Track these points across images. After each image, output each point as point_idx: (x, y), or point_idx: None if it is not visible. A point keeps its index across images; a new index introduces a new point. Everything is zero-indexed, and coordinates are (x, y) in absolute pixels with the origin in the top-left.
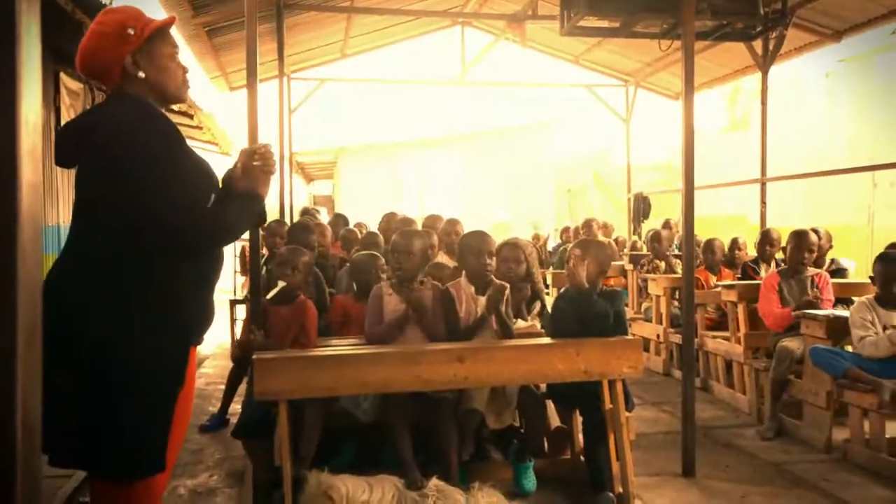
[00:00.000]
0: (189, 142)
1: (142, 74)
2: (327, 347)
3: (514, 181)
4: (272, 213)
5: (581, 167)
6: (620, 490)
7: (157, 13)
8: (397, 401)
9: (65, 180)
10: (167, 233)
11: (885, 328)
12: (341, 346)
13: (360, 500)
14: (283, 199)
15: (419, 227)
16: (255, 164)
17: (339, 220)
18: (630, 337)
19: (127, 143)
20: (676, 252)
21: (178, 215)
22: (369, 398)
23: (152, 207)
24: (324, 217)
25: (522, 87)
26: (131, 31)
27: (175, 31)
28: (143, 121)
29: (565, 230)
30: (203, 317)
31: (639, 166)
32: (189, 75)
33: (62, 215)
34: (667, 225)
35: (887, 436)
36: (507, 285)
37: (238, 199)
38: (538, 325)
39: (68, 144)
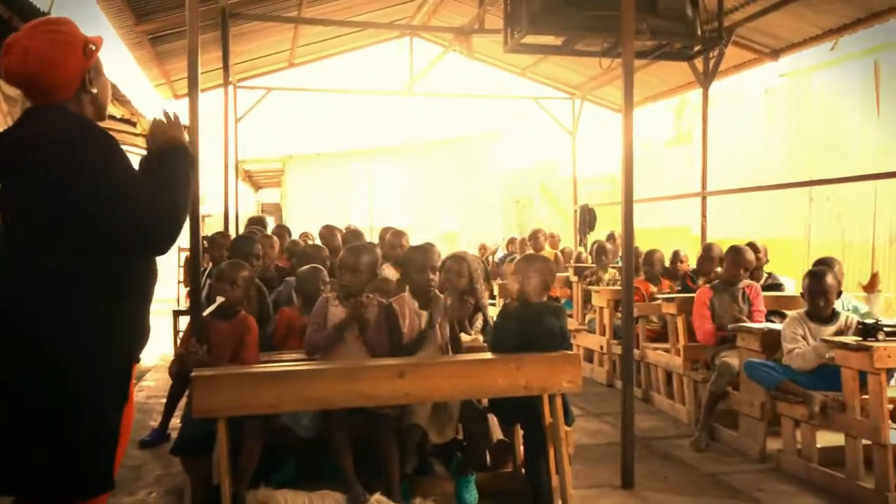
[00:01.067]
0: (131, 148)
1: (94, 90)
2: (269, 363)
3: (463, 191)
4: (217, 223)
5: (528, 178)
6: (559, 502)
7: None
8: (337, 416)
9: None
10: (134, 234)
11: (820, 340)
12: (282, 363)
13: None
14: (228, 207)
15: (367, 237)
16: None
17: (282, 231)
18: (570, 352)
19: (69, 165)
20: (620, 264)
21: (138, 213)
22: (309, 414)
23: (110, 217)
24: (271, 225)
25: (470, 98)
26: (92, 47)
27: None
28: (83, 137)
29: (511, 241)
30: (142, 332)
31: (585, 178)
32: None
33: None
34: (611, 237)
35: (818, 446)
36: (449, 299)
37: (163, 159)
38: (481, 339)
39: None
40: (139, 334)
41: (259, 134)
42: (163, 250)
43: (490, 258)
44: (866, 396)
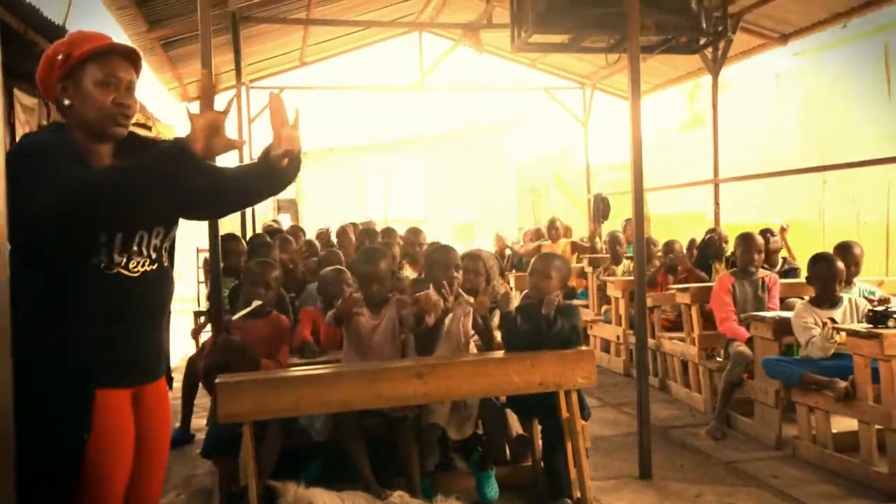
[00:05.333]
0: None
1: (67, 102)
2: (292, 367)
3: (477, 182)
4: (234, 222)
5: (542, 168)
6: (578, 495)
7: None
8: (348, 420)
9: None
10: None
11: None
12: (303, 367)
13: None
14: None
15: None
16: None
17: (296, 231)
18: (584, 349)
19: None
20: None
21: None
22: (321, 418)
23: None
24: (285, 223)
25: (480, 91)
26: (60, 57)
27: (132, 45)
28: (19, 151)
29: (526, 233)
30: (110, 357)
31: (598, 167)
32: (125, 109)
33: None
34: (626, 227)
35: (833, 431)
36: (471, 297)
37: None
38: (498, 336)
39: None
40: (107, 357)
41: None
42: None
43: (507, 250)
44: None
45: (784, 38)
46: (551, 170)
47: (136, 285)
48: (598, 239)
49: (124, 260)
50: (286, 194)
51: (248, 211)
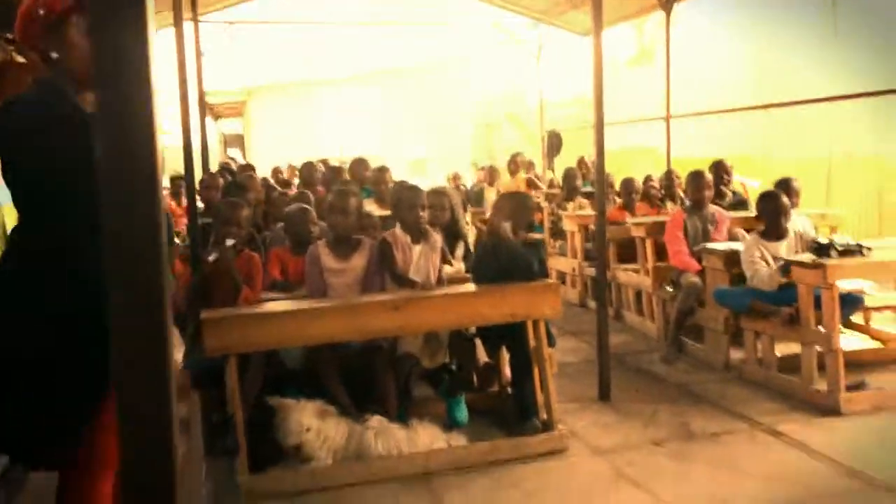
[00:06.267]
0: None
1: (54, 55)
2: (271, 302)
3: (431, 118)
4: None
5: (496, 104)
6: (545, 416)
7: None
8: (324, 350)
9: None
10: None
11: (774, 258)
12: (284, 303)
13: (330, 435)
14: (193, 141)
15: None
16: None
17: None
18: (551, 281)
19: (25, 135)
20: (589, 189)
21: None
22: (298, 347)
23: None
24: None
25: (433, 26)
26: (42, 12)
27: None
28: (38, 112)
29: (482, 169)
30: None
31: (551, 103)
32: None
33: None
34: (581, 164)
35: (777, 354)
36: (439, 237)
37: None
38: (463, 267)
39: None
40: None
41: (221, 66)
42: None
43: (462, 186)
44: None
45: None
46: (504, 106)
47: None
48: (550, 173)
49: None
50: (233, 129)
51: (199, 146)
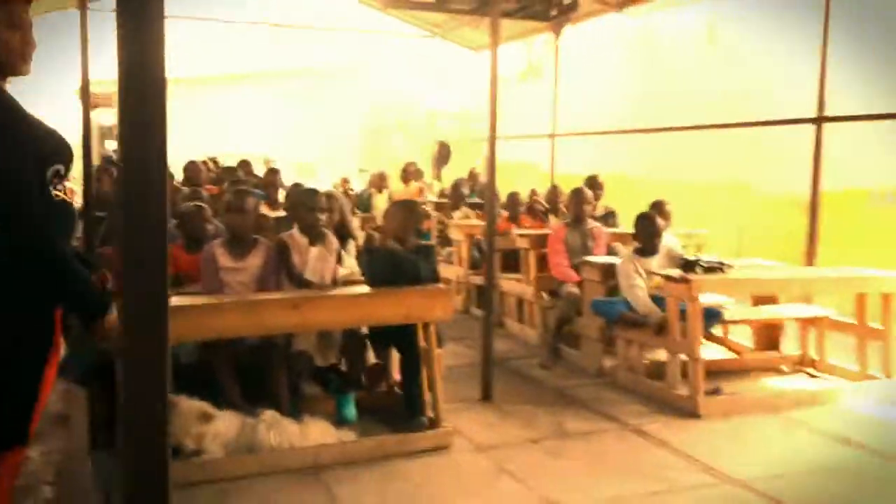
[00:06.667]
0: None
1: None
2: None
3: (321, 122)
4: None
5: (387, 112)
6: (431, 415)
7: None
8: (219, 344)
9: None
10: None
11: (647, 272)
12: (186, 297)
13: (220, 431)
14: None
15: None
16: None
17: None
18: (443, 286)
19: None
20: (476, 200)
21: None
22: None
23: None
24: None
25: (329, 31)
26: None
27: None
28: None
29: (372, 176)
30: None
31: (440, 113)
32: (30, 48)
33: None
34: (472, 175)
35: (645, 362)
36: (335, 239)
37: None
38: (356, 268)
39: None
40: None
41: (104, 56)
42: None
43: (351, 191)
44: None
45: (620, 5)
46: (395, 114)
47: (70, 207)
48: (438, 182)
49: (62, 188)
50: (109, 120)
51: (81, 138)
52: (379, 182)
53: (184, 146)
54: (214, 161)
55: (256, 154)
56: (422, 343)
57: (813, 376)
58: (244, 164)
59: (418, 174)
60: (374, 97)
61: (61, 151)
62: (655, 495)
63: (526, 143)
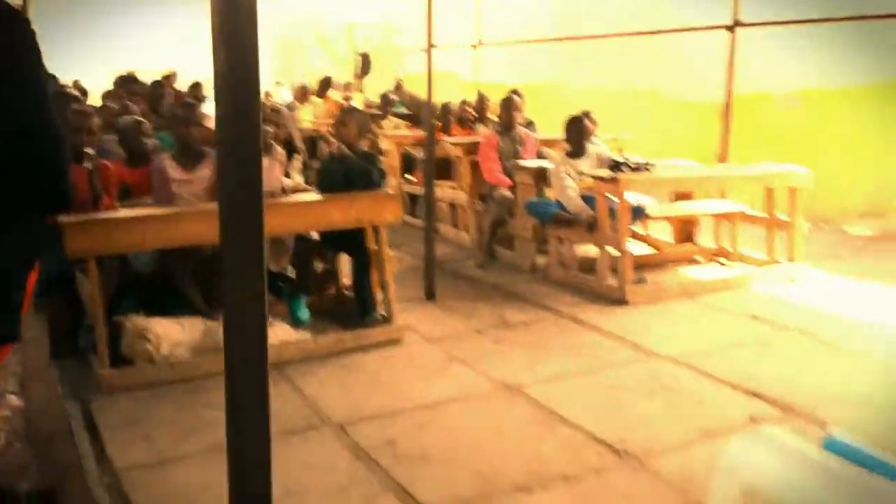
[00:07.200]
0: None
1: None
2: (127, 210)
3: None
4: None
5: (302, 23)
6: (383, 313)
7: None
8: (175, 252)
9: None
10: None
11: (579, 173)
12: (144, 208)
13: (176, 338)
14: None
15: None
16: None
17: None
18: (392, 192)
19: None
20: (403, 111)
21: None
22: (148, 252)
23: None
24: None
25: None
26: None
27: None
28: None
29: (295, 89)
30: None
31: (361, 25)
32: None
33: None
34: (398, 87)
35: (577, 258)
36: (283, 151)
37: None
38: (302, 181)
39: None
40: None
41: None
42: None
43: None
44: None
45: None
46: (311, 26)
47: None
48: (361, 94)
49: None
50: None
51: None
52: (301, 95)
53: (94, 61)
54: (131, 76)
55: (158, 69)
56: (373, 246)
57: (726, 265)
58: (196, 87)
59: (343, 87)
60: (289, 8)
61: None
62: (592, 371)
63: (447, 53)
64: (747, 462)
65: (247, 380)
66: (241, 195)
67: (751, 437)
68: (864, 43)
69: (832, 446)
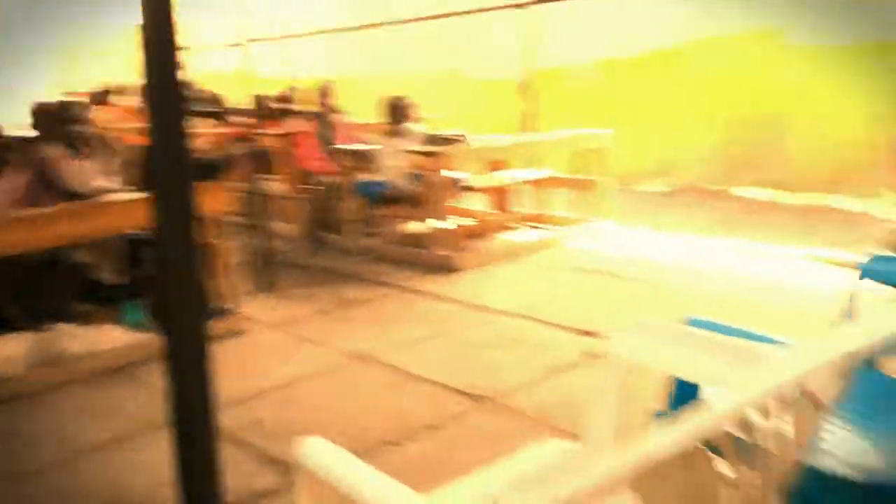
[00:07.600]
0: None
1: None
2: None
3: None
4: None
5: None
6: (224, 305)
7: None
8: None
9: None
10: None
11: (399, 152)
12: None
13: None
14: None
15: None
16: None
17: None
18: (224, 183)
19: None
20: (203, 109)
21: None
22: None
23: None
24: None
25: None
26: None
27: None
28: None
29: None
30: None
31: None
32: None
33: None
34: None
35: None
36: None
37: None
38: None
39: None
40: None
41: None
42: None
43: None
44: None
45: None
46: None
47: None
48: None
49: None
50: None
51: None
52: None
53: None
54: None
55: None
56: (211, 239)
57: (540, 228)
58: None
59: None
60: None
61: None
62: (440, 334)
63: (222, 53)
64: (628, 348)
65: None
66: None
67: (627, 328)
68: (654, 11)
69: (696, 324)
